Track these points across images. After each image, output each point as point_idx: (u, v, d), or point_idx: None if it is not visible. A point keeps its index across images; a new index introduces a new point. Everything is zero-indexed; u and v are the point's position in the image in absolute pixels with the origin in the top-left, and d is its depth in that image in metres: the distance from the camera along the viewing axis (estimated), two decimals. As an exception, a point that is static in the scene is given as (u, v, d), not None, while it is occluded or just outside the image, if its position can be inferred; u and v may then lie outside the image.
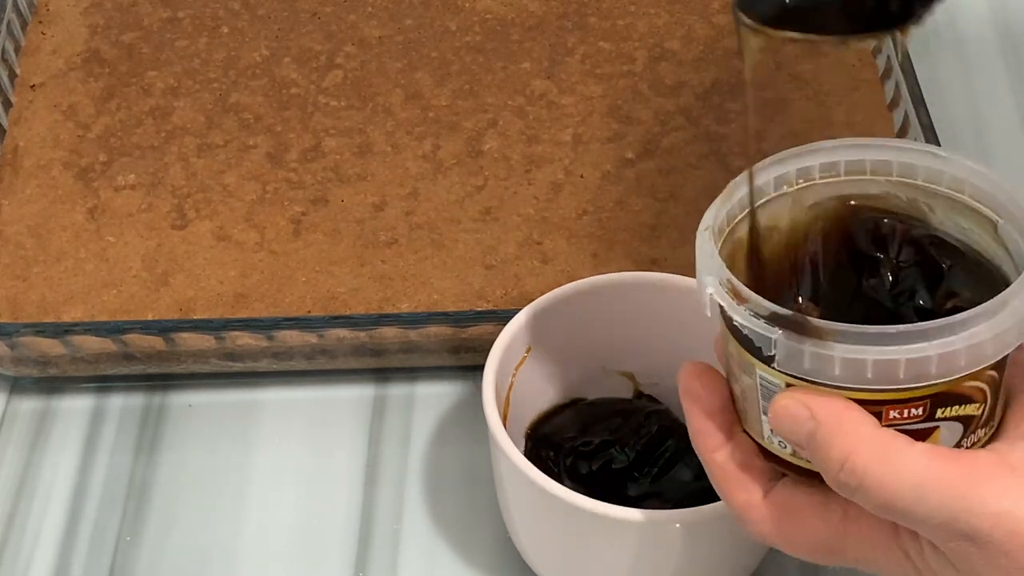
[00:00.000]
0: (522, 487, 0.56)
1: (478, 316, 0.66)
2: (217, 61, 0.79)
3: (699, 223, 0.53)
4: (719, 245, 0.48)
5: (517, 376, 0.61)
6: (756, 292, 0.45)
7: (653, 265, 0.69)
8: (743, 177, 0.50)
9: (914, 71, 0.75)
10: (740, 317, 0.45)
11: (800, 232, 0.50)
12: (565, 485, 0.55)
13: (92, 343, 0.66)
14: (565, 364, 0.61)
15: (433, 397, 0.69)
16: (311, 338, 0.66)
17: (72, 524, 0.65)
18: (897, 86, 0.75)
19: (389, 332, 0.66)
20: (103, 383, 0.69)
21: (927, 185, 0.49)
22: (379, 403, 0.69)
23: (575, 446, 0.61)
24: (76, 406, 0.69)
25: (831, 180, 0.50)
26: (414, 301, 0.68)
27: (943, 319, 0.43)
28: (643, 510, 0.54)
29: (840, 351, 0.43)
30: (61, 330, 0.65)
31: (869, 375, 0.43)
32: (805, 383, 0.45)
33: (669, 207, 0.72)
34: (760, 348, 0.45)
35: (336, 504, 0.65)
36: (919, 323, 0.43)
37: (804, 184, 0.50)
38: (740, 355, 0.46)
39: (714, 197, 0.71)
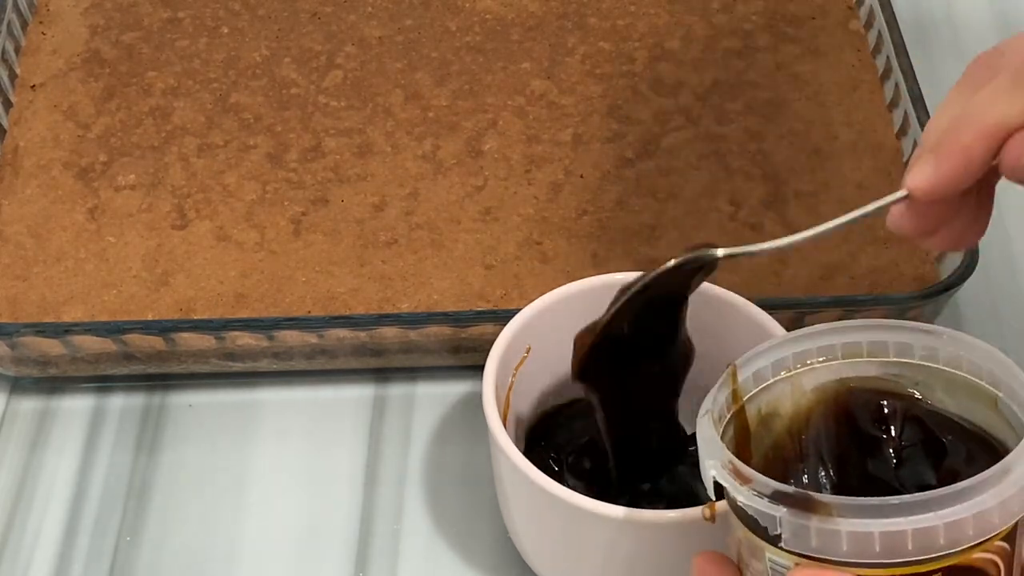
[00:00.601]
0: (522, 487, 0.56)
1: (478, 316, 0.66)
2: (217, 61, 0.79)
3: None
4: (721, 429, 0.48)
5: (517, 376, 0.60)
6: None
7: (653, 265, 0.68)
8: (743, 360, 0.50)
9: (914, 71, 0.75)
10: (743, 497, 0.45)
11: (802, 417, 0.50)
12: (565, 485, 0.55)
13: (92, 343, 0.66)
14: (565, 364, 0.61)
15: (433, 397, 0.69)
16: (311, 338, 0.66)
17: (72, 524, 0.65)
18: (897, 86, 0.75)
19: (389, 332, 0.66)
20: (103, 383, 0.69)
21: (925, 364, 0.49)
22: (379, 403, 0.69)
23: (575, 446, 0.61)
24: (76, 406, 0.69)
25: (829, 363, 0.50)
26: (414, 301, 0.68)
27: (947, 488, 0.43)
28: (642, 510, 0.54)
29: (846, 525, 0.43)
30: (61, 330, 0.65)
31: (877, 548, 0.43)
32: (814, 562, 0.44)
33: (669, 207, 0.72)
34: (766, 528, 0.44)
35: (336, 504, 0.65)
36: (923, 492, 0.43)
37: (802, 369, 0.50)
38: (748, 539, 0.46)
39: (714, 197, 0.72)
